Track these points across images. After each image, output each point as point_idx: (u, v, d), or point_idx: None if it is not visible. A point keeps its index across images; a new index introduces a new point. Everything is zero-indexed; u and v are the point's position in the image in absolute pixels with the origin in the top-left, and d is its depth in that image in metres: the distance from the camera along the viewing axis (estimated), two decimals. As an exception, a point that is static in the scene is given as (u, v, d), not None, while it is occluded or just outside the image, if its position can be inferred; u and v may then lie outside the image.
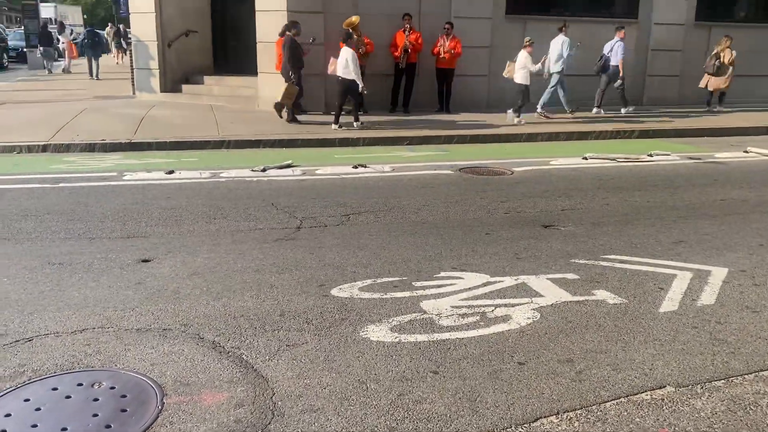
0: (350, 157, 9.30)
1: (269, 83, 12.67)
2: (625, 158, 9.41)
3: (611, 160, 9.32)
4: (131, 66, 15.25)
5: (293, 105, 11.72)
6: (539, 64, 11.81)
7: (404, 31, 12.42)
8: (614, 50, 13.01)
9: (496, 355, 3.48)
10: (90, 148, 9.54)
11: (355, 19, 11.96)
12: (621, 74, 13.02)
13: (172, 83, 14.45)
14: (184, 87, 14.38)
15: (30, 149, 9.35)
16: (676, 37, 14.90)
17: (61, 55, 22.95)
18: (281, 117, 11.61)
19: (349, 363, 3.37)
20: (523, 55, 11.71)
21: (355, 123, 11.20)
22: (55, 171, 8.03)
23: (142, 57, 14.34)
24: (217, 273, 4.59)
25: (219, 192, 7.08)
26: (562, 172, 8.52)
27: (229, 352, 3.44)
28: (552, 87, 12.78)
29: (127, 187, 7.20)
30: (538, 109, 12.79)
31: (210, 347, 3.49)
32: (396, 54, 12.51)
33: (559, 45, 12.53)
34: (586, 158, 9.37)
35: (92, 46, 20.82)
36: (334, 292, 4.27)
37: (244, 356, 3.41)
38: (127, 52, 20.21)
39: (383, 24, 12.50)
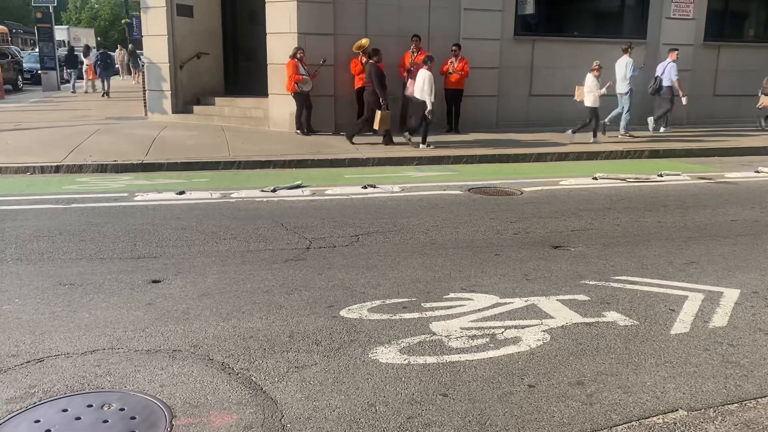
0: (360, 177, 9.34)
1: (279, 104, 12.83)
2: (635, 178, 9.40)
3: (621, 180, 9.31)
4: (143, 87, 15.46)
5: (307, 123, 12.11)
6: (604, 89, 12.09)
7: (411, 52, 12.54)
8: (666, 71, 13.28)
9: (506, 377, 3.46)
10: (102, 168, 9.65)
11: (365, 41, 12.10)
12: (681, 94, 13.20)
13: (183, 104, 14.64)
14: (196, 108, 14.56)
15: (43, 170, 9.47)
16: (685, 57, 14.88)
17: (81, 77, 24.26)
18: (353, 143, 11.54)
19: (358, 385, 3.36)
20: (590, 79, 12.06)
21: (406, 134, 11.51)
22: (68, 191, 8.12)
23: (154, 79, 14.55)
24: (227, 294, 4.61)
25: (229, 212, 7.13)
26: (571, 193, 8.51)
27: (238, 374, 3.45)
28: (626, 108, 12.93)
29: (138, 208, 7.26)
30: (622, 131, 12.98)
31: (219, 369, 3.50)
32: (403, 75, 12.60)
33: (623, 66, 12.75)
34: (596, 178, 9.36)
35: (104, 68, 22.31)
36: (343, 313, 4.27)
37: (253, 378, 3.41)
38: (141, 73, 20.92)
39: (391, 45, 12.61)
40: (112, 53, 27.22)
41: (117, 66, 31.01)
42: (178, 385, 3.32)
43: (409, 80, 11.67)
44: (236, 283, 4.82)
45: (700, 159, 11.64)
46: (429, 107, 11.03)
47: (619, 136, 12.82)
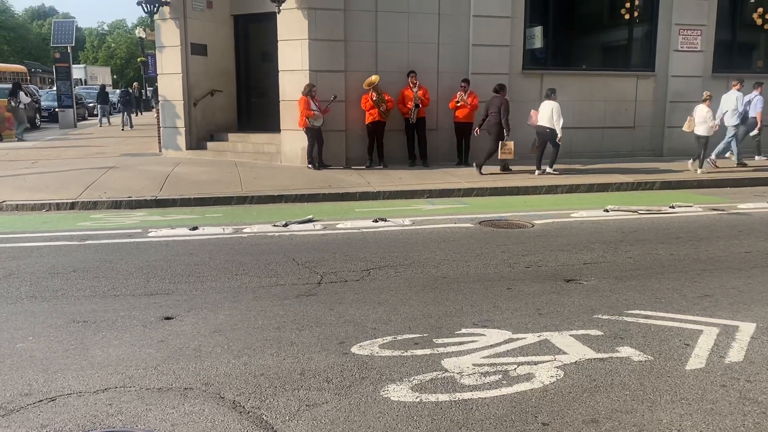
0: (371, 210, 9.38)
1: (291, 139, 12.99)
2: (647, 210, 9.37)
3: (633, 212, 9.27)
4: (158, 124, 15.71)
5: (319, 157, 12.41)
6: (718, 120, 12.69)
7: (411, 87, 12.67)
8: (753, 103, 13.72)
9: (519, 415, 3.42)
10: (116, 205, 9.77)
11: (374, 78, 12.30)
12: (758, 125, 13.68)
13: (197, 140, 14.84)
14: (209, 144, 14.76)
15: (59, 206, 9.61)
16: (694, 89, 14.94)
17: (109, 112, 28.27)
18: (481, 173, 12.23)
19: (370, 424, 3.33)
20: (704, 110, 12.58)
21: (549, 168, 12.37)
22: (83, 228, 8.22)
23: (168, 116, 14.80)
24: (238, 330, 4.61)
25: (241, 247, 7.17)
26: (583, 225, 8.49)
27: (249, 412, 3.43)
28: (729, 138, 13.47)
29: (152, 244, 7.33)
30: (711, 157, 13.35)
31: (230, 407, 3.48)
32: (405, 109, 12.74)
33: (733, 99, 13.31)
34: (607, 210, 9.34)
35: (125, 104, 24.98)
36: (355, 349, 4.25)
37: (264, 417, 3.39)
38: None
39: (402, 81, 12.78)
40: (132, 91, 30.43)
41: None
42: (189, 424, 3.30)
43: (532, 111, 12.47)
44: (248, 320, 4.82)
45: (712, 190, 11.59)
46: (559, 134, 12.04)
47: (706, 163, 13.09)
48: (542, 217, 8.93)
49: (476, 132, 12.64)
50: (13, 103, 20.13)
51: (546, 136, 12.25)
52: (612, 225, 8.47)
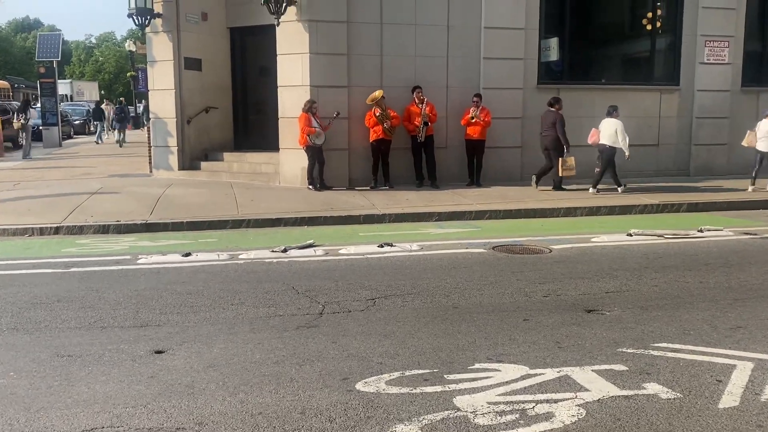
0: (376, 234, 9.41)
1: (291, 159, 13.08)
2: (674, 234, 9.36)
3: (658, 236, 9.27)
4: (149, 143, 15.84)
5: (320, 178, 12.55)
6: None
7: (417, 104, 12.76)
8: None
9: (537, 458, 3.39)
10: (104, 229, 9.82)
11: (378, 93, 12.43)
12: None
13: (190, 160, 14.96)
14: (203, 164, 14.87)
15: (42, 231, 9.67)
16: (722, 103, 15.05)
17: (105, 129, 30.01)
18: (537, 188, 12.83)
19: (376, 467, 3.31)
20: (766, 125, 13.02)
21: (619, 189, 12.70)
22: (67, 255, 8.26)
23: (160, 134, 14.92)
24: (234, 365, 4.61)
25: (237, 275, 7.19)
26: (605, 250, 8.49)
27: (246, 455, 3.42)
28: None
29: (142, 272, 7.36)
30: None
31: (226, 449, 3.48)
32: (412, 127, 12.81)
33: None
34: (630, 234, 9.33)
35: (119, 120, 26.56)
36: (359, 386, 4.24)
37: (262, 459, 3.38)
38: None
39: (408, 96, 12.88)
40: (130, 107, 33.03)
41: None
42: (181, 467, 3.30)
43: (593, 129, 12.76)
44: (244, 354, 4.83)
45: (743, 212, 11.57)
46: (627, 153, 12.34)
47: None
48: (561, 241, 8.93)
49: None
50: (23, 121, 20.95)
51: (608, 154, 12.54)
52: (636, 250, 8.46)
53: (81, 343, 5.06)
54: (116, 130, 26.72)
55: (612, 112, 12.63)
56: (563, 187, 12.90)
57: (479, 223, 10.58)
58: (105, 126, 29.50)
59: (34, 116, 22.90)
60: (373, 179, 12.93)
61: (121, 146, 25.25)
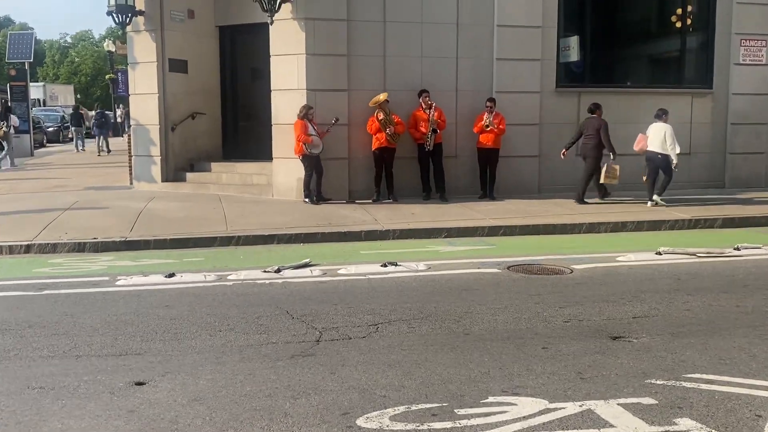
0: (378, 253, 9.43)
1: (285, 169, 13.12)
2: (707, 253, 9.35)
3: (690, 255, 9.26)
4: (129, 153, 15.91)
5: (317, 190, 12.58)
6: None
7: (424, 109, 12.81)
8: None
9: (558, 502, 3.38)
10: (79, 247, 9.85)
11: (382, 96, 12.48)
12: None
13: (175, 171, 15.02)
14: (189, 175, 14.93)
15: (11, 250, 9.70)
16: (759, 108, 15.05)
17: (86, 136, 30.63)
18: (585, 202, 12.95)
19: None
20: None
21: (657, 197, 12.71)
22: (39, 276, 8.29)
23: (141, 143, 14.99)
24: (222, 398, 4.61)
25: (226, 298, 7.20)
26: (632, 271, 8.49)
27: (235, 498, 3.42)
28: None
29: (121, 294, 7.37)
30: None
31: (213, 492, 3.47)
32: (418, 135, 12.86)
33: None
34: (660, 253, 9.33)
35: (100, 126, 26.83)
36: (360, 422, 4.24)
37: (253, 503, 3.37)
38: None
39: (414, 101, 12.94)
40: (109, 112, 32.89)
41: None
42: None
43: (640, 135, 12.83)
44: (233, 386, 4.83)
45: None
46: (675, 161, 12.36)
47: None
48: (583, 260, 8.93)
49: (563, 155, 13.04)
50: (5, 128, 21.22)
51: (657, 162, 12.56)
52: (666, 271, 8.45)
53: (54, 373, 5.07)
54: (97, 137, 26.92)
55: (662, 115, 12.70)
56: (585, 201, 12.93)
57: (493, 240, 10.59)
58: (82, 133, 29.72)
59: (16, 122, 22.87)
60: (375, 191, 12.96)
61: (108, 154, 25.72)
